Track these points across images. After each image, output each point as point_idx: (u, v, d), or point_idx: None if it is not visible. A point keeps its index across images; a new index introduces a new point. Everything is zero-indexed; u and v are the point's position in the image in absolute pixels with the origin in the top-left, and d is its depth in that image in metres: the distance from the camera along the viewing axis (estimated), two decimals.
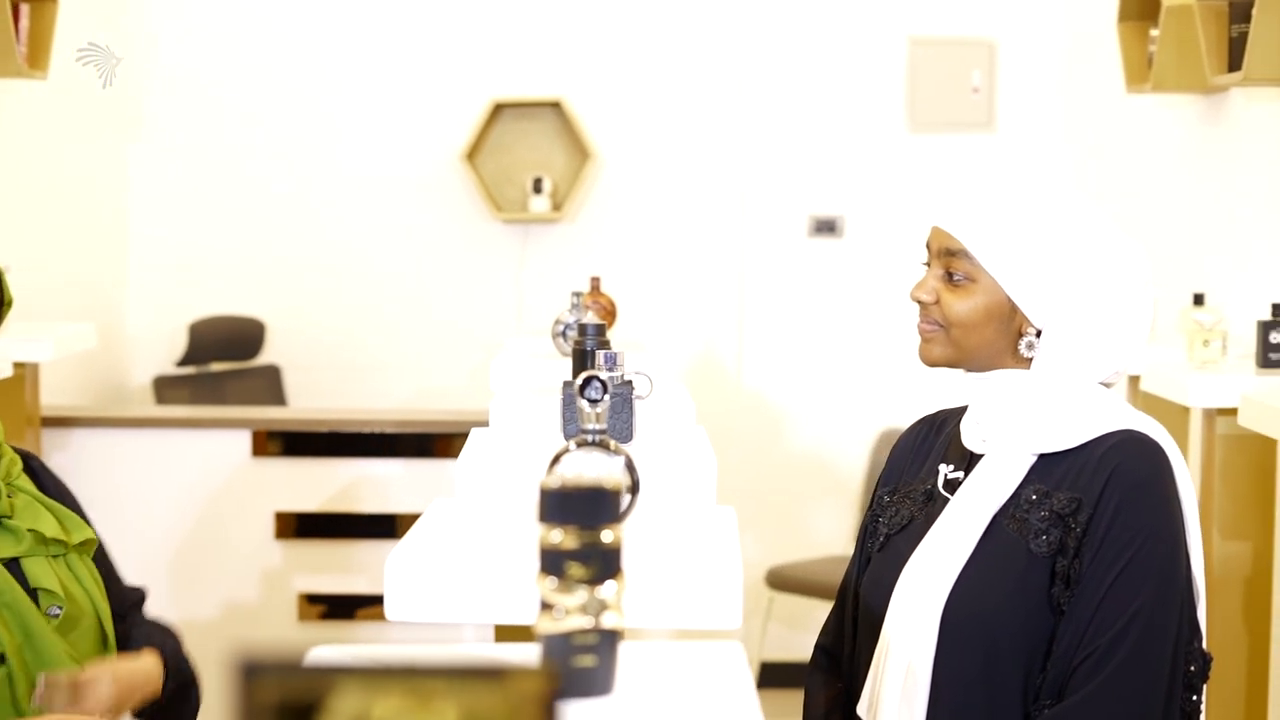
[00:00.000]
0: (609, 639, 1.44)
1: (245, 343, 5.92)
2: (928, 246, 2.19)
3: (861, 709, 2.15)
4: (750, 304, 6.01)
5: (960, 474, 2.17)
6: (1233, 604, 3.80)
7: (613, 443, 2.07)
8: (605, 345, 3.27)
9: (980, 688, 2.03)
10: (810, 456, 6.00)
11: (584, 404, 2.07)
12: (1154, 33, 4.56)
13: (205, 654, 4.69)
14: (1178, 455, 2.09)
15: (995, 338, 2.12)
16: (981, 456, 2.16)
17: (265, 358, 6.02)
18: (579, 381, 2.07)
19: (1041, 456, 2.10)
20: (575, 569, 1.43)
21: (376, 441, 4.71)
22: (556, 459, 2.06)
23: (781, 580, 5.41)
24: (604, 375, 2.08)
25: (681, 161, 5.98)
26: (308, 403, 6.00)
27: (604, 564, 1.43)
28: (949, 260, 2.14)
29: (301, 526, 4.70)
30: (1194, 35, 4.28)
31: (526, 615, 1.88)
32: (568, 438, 2.62)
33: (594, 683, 1.43)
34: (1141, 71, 4.70)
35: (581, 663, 1.43)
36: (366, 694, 0.86)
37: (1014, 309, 2.11)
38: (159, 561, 4.66)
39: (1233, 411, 3.71)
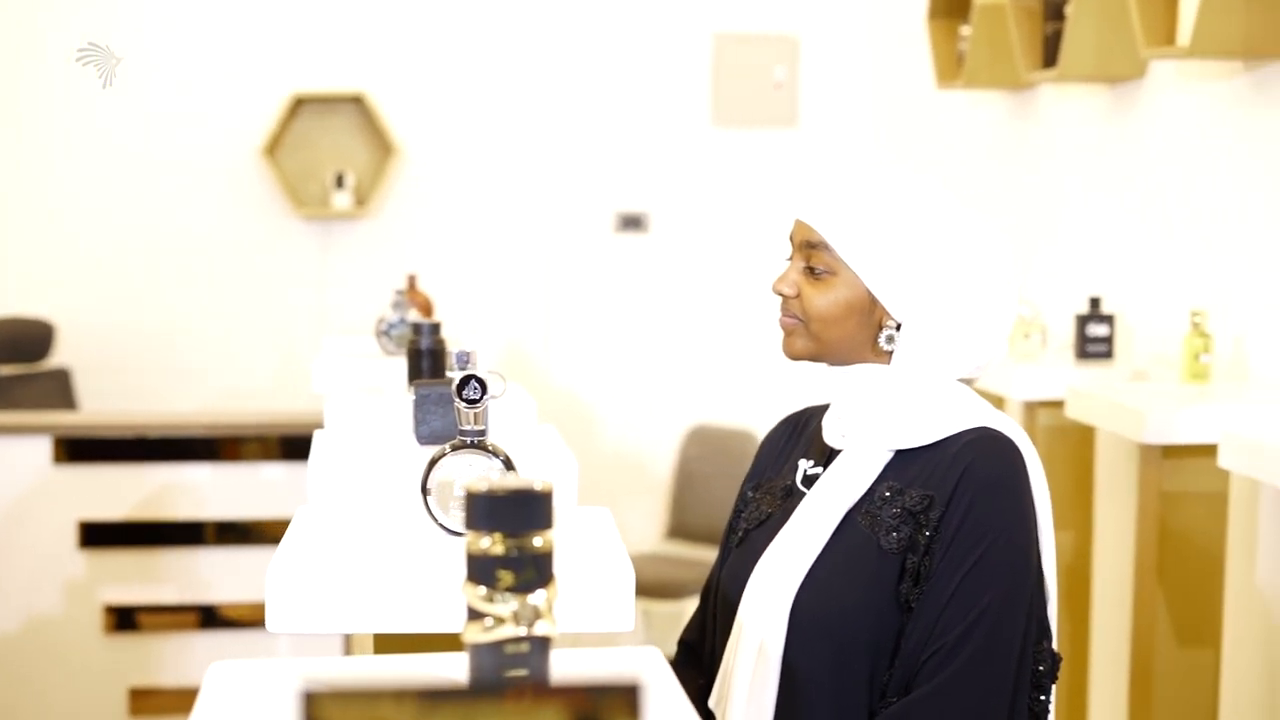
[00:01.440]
0: (541, 648, 1.38)
1: (33, 345, 5.70)
2: (790, 239, 2.17)
3: (712, 701, 2.13)
4: (557, 301, 5.97)
5: (819, 469, 2.15)
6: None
7: (490, 443, 2.01)
8: (441, 344, 3.21)
9: (829, 682, 2.01)
10: (620, 454, 5.98)
11: (461, 405, 2.00)
12: (964, 30, 4.62)
13: (4, 669, 4.52)
14: (1033, 454, 2.08)
15: (856, 331, 2.10)
16: (838, 452, 2.14)
17: (54, 360, 5.80)
18: (456, 381, 2.00)
19: (898, 453, 2.08)
20: (505, 576, 1.36)
21: (185, 446, 4.56)
22: (434, 462, 1.99)
23: None
24: (482, 375, 2.02)
25: (486, 156, 5.91)
26: (100, 407, 5.79)
27: (535, 570, 1.37)
28: (810, 253, 2.11)
29: (106, 535, 4.52)
30: (1006, 33, 4.35)
31: (415, 623, 1.82)
32: (420, 439, 2.55)
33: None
34: (952, 68, 4.76)
35: (513, 673, 1.37)
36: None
37: (874, 302, 2.08)
38: None
39: (1053, 403, 3.78)
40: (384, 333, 3.86)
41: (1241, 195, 3.58)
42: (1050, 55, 4.13)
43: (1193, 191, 3.79)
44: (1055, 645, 2.07)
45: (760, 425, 5.89)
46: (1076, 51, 3.92)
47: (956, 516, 1.99)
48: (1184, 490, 3.27)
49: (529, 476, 1.39)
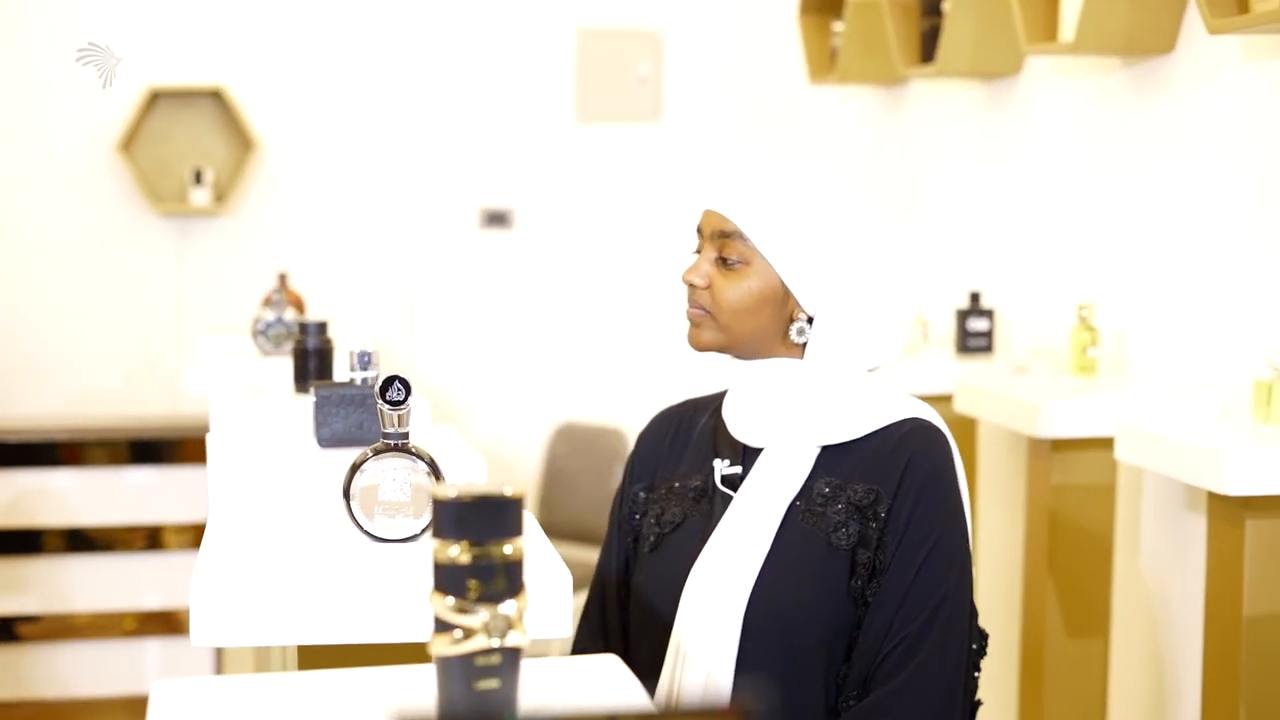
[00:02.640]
0: (512, 659, 1.33)
1: None
2: (699, 231, 2.14)
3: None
4: (422, 298, 5.89)
5: (738, 469, 2.12)
6: None
7: (415, 446, 1.95)
8: (328, 344, 3.14)
9: (782, 684, 1.99)
10: (486, 452, 5.91)
11: (385, 407, 1.94)
12: (837, 26, 4.63)
13: None
14: (953, 441, 2.10)
15: (768, 323, 2.08)
16: (756, 450, 2.11)
17: None
18: (379, 383, 1.94)
19: (826, 447, 2.07)
20: (474, 586, 1.32)
21: (43, 451, 4.42)
22: (357, 467, 1.93)
23: None
24: (403, 376, 1.96)
25: (349, 152, 5.81)
26: None
27: (506, 579, 1.32)
28: (722, 243, 2.09)
29: None
30: (880, 28, 4.36)
31: (346, 634, 1.76)
32: (321, 442, 2.49)
33: (499, 706, 1.33)
34: (825, 64, 4.77)
35: (484, 685, 1.32)
36: None
37: (787, 293, 2.07)
38: None
39: (934, 397, 3.80)
40: (261, 332, 3.76)
41: (1118, 190, 3.62)
42: (927, 51, 4.15)
43: (1069, 187, 3.83)
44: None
45: (628, 423, 5.87)
46: (955, 48, 3.94)
47: (906, 509, 1.99)
48: (1072, 483, 3.30)
49: (496, 483, 1.34)
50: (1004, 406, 3.27)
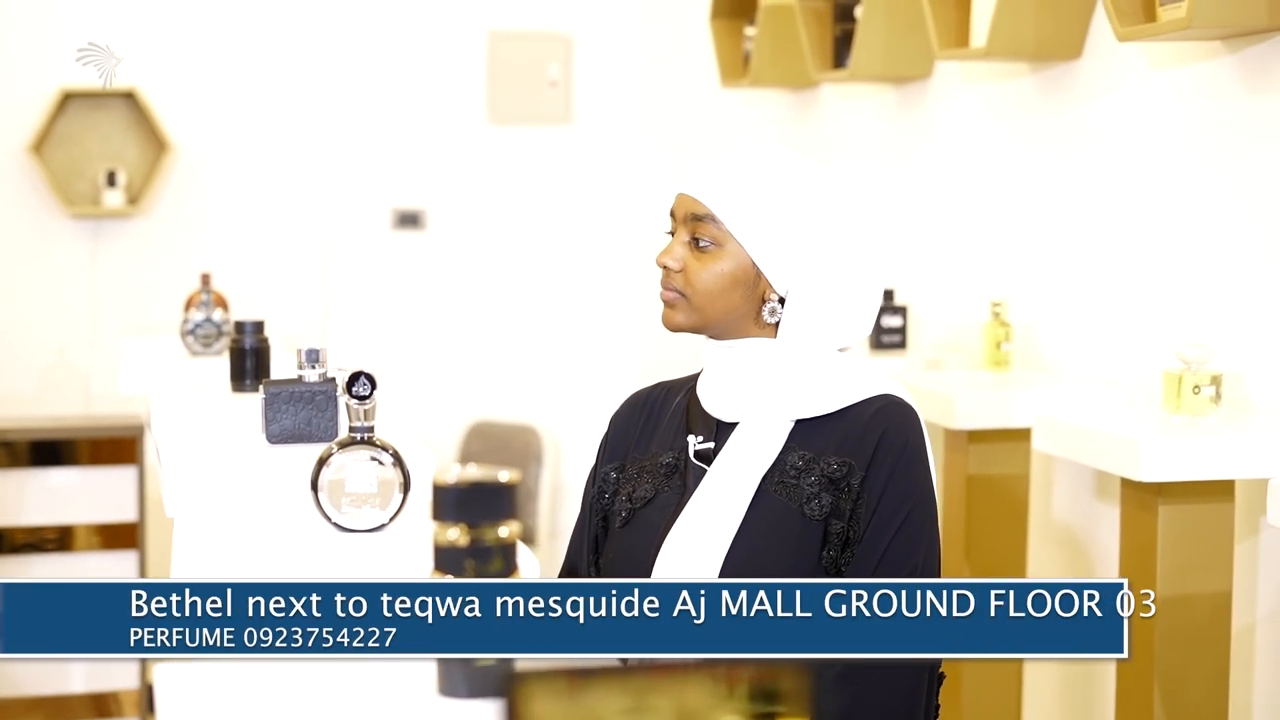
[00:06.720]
0: None
1: None
2: (672, 214, 2.20)
3: None
4: (336, 298, 5.93)
5: (711, 444, 2.17)
6: None
7: (379, 439, 2.02)
8: (265, 343, 3.20)
9: None
10: None
11: (351, 401, 2.02)
12: (749, 30, 4.73)
13: None
14: (923, 419, 2.18)
15: (741, 303, 2.14)
16: (730, 425, 2.16)
17: None
18: (345, 378, 2.01)
19: (799, 422, 2.12)
20: (471, 566, 1.39)
21: None
22: (324, 460, 1.99)
23: None
24: (368, 371, 2.03)
25: (262, 153, 5.83)
26: None
27: (503, 560, 1.40)
28: (695, 225, 2.14)
29: None
30: (793, 33, 4.46)
31: None
32: (270, 438, 2.54)
33: (495, 682, 1.40)
34: (736, 68, 4.86)
35: (483, 662, 1.40)
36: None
37: (759, 274, 2.12)
38: None
39: None
40: (189, 332, 3.79)
41: (1027, 191, 3.75)
42: (839, 56, 4.26)
43: (979, 188, 3.95)
44: None
45: (542, 421, 5.95)
46: (867, 53, 4.05)
47: (879, 482, 2.06)
48: (987, 473, 3.41)
49: (492, 468, 1.41)
50: (922, 399, 3.38)
